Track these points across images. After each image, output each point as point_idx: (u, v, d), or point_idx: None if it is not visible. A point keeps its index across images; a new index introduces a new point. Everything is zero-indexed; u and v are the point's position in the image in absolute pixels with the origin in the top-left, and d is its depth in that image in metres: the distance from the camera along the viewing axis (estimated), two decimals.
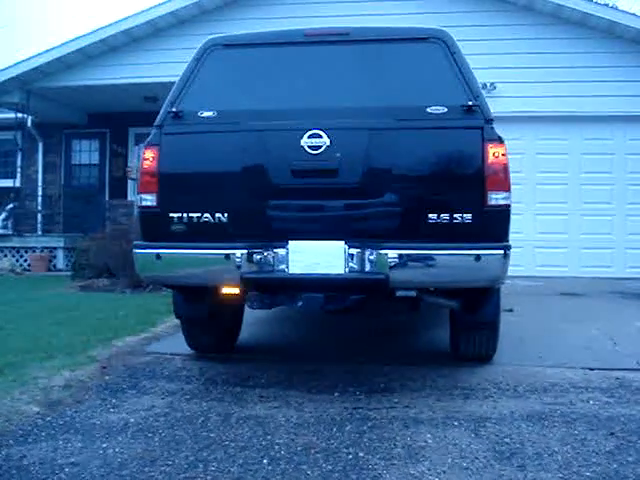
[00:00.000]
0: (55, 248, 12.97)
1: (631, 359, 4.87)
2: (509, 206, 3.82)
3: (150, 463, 3.00)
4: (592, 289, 9.15)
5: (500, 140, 3.82)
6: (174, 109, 4.08)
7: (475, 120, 3.83)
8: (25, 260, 12.92)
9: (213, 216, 3.97)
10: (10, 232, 13.24)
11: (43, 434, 3.38)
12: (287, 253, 3.82)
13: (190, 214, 3.99)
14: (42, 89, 12.41)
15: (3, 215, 13.42)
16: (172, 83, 4.24)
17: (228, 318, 5.07)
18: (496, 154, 3.77)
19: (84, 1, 52.16)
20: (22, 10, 46.05)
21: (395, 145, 3.89)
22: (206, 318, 4.70)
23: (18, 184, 13.59)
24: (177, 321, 5.09)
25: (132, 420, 3.60)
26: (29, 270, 12.70)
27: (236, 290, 4.08)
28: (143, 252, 4.06)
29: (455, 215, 3.76)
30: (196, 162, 4.11)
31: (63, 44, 11.66)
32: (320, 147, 3.82)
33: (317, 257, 3.80)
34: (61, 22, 50.36)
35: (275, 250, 3.83)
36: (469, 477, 2.84)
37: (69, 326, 6.22)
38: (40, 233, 13.94)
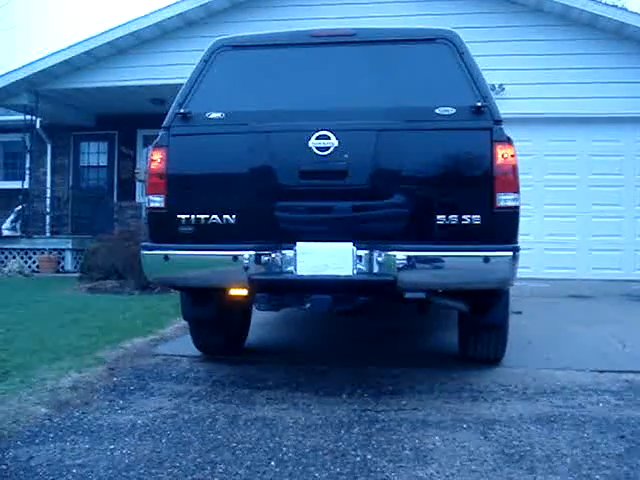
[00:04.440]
0: (63, 250, 12.99)
1: None
2: (518, 207, 3.80)
3: (157, 465, 2.99)
4: (601, 291, 9.11)
5: (509, 141, 3.80)
6: (182, 110, 4.08)
7: (484, 121, 3.82)
8: (33, 262, 12.95)
9: (221, 217, 3.96)
10: (18, 234, 13.27)
11: (50, 435, 3.38)
12: (295, 254, 3.81)
13: (198, 215, 3.99)
14: (50, 91, 12.45)
15: (12, 217, 13.47)
16: (180, 85, 4.23)
17: (236, 320, 5.06)
18: (505, 155, 3.75)
19: (85, 3, 52.43)
20: (23, 11, 46.34)
21: (403, 146, 3.88)
22: (214, 320, 4.70)
23: (27, 186, 13.62)
24: (185, 323, 5.09)
25: (139, 422, 3.60)
26: (37, 272, 12.73)
27: (244, 291, 4.07)
28: (151, 253, 4.06)
29: (464, 216, 3.74)
30: (204, 163, 4.11)
31: (71, 46, 11.69)
32: (328, 148, 3.82)
33: (325, 258, 3.79)
34: (62, 23, 50.66)
35: (283, 251, 3.83)
36: None
37: (77, 327, 6.23)
38: (48, 235, 13.98)
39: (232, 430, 3.45)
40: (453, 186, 3.88)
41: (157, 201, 4.05)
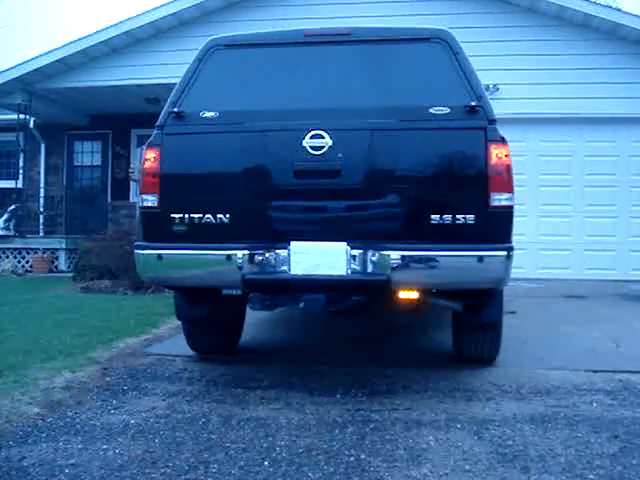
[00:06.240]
0: (57, 249, 12.96)
1: (635, 361, 4.84)
2: (512, 207, 3.80)
3: (151, 465, 2.98)
4: (595, 291, 9.12)
5: (503, 141, 3.79)
6: (176, 109, 4.06)
7: (478, 121, 3.81)
8: (27, 261, 12.91)
9: (215, 217, 3.95)
10: (12, 233, 13.22)
11: (43, 435, 3.37)
12: (289, 254, 3.80)
13: (191, 215, 3.97)
14: (44, 90, 12.41)
15: (5, 216, 13.41)
16: (174, 84, 4.22)
17: (229, 319, 5.05)
18: (499, 155, 3.75)
19: (83, 1, 52.36)
20: (21, 10, 46.22)
21: (397, 146, 3.87)
22: (207, 319, 4.68)
23: (20, 185, 13.59)
24: (178, 322, 5.08)
25: (133, 421, 3.58)
26: (31, 271, 12.69)
27: (237, 291, 4.06)
28: (144, 253, 4.04)
29: (458, 216, 3.74)
30: (198, 163, 4.09)
31: (65, 45, 11.67)
32: (322, 147, 3.81)
33: (319, 258, 3.78)
34: (61, 22, 50.56)
35: (277, 251, 3.82)
36: None
37: (70, 327, 6.20)
38: (42, 234, 13.93)
39: (226, 430, 3.44)
40: (447, 186, 3.88)
41: (150, 200, 4.03)
